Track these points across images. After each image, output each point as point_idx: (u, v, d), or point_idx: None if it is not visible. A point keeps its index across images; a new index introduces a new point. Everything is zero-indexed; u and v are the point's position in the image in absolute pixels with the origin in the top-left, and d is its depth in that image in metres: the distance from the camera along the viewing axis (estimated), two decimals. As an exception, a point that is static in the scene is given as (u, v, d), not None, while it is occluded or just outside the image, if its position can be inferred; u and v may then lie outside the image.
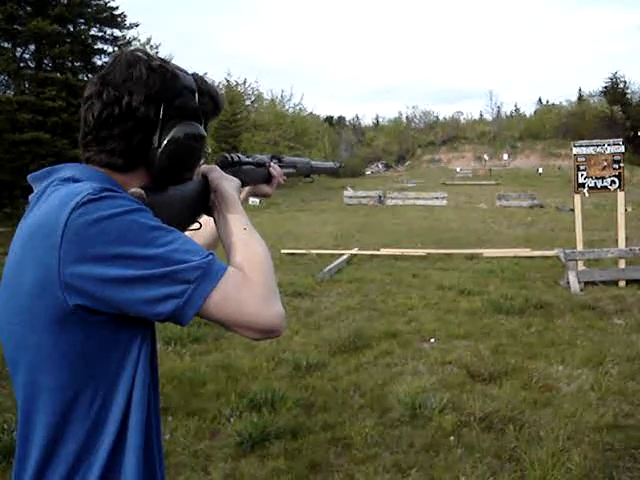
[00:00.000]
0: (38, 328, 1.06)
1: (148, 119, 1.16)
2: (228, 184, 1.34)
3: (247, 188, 1.62)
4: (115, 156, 1.16)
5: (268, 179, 1.65)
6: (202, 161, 1.32)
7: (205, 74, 1.36)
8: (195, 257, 1.06)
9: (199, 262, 1.05)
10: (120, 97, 1.14)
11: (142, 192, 1.15)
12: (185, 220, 1.31)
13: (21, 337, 1.09)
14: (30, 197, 1.17)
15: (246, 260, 1.16)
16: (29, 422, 1.10)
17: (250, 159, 1.58)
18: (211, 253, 1.09)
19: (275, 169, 1.66)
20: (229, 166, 1.48)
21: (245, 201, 1.69)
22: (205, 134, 1.26)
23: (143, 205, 1.10)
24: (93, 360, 1.08)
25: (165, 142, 1.17)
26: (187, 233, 1.41)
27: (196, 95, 1.23)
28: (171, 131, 1.18)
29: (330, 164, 2.15)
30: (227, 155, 1.50)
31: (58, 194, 1.08)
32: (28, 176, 1.20)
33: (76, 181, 1.11)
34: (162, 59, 1.22)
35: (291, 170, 1.80)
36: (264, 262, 1.18)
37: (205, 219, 1.40)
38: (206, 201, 1.34)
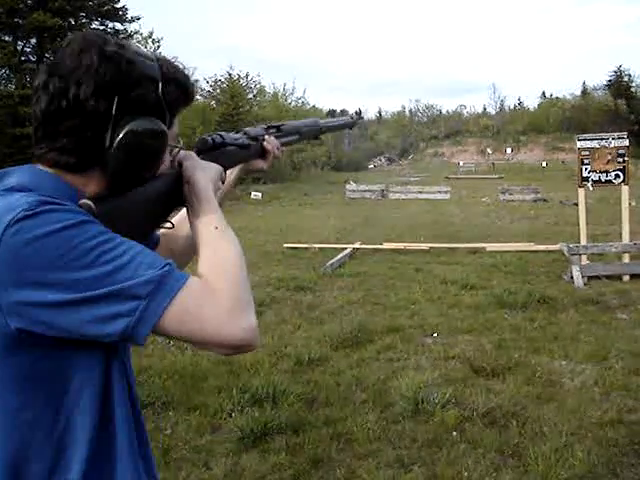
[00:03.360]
0: None
1: (98, 114, 1.03)
2: (202, 174, 1.20)
3: (238, 167, 1.49)
4: (65, 155, 1.05)
5: (262, 153, 1.50)
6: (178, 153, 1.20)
7: (175, 58, 1.19)
8: (147, 270, 0.96)
9: (151, 276, 0.95)
10: (67, 88, 1.02)
11: (90, 203, 1.03)
12: (153, 222, 1.19)
13: None
14: None
15: (213, 266, 1.06)
16: None
17: (239, 135, 1.41)
18: (168, 263, 0.99)
19: (269, 142, 1.50)
20: (210, 150, 1.31)
21: (236, 183, 1.58)
22: (165, 130, 1.11)
23: (90, 217, 0.99)
24: (48, 381, 1.01)
25: (117, 141, 1.04)
26: (164, 232, 1.33)
27: (159, 85, 1.10)
28: (124, 128, 1.05)
29: (345, 118, 1.91)
30: (207, 137, 1.32)
31: None
32: None
33: (20, 190, 1.00)
34: (120, 44, 1.08)
35: (294, 137, 1.63)
36: (233, 268, 1.06)
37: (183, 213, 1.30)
38: (181, 194, 1.20)
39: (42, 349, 0.99)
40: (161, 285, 0.96)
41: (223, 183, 1.32)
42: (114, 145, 1.05)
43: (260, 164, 1.52)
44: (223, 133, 1.36)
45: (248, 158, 1.48)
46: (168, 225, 1.24)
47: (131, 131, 1.05)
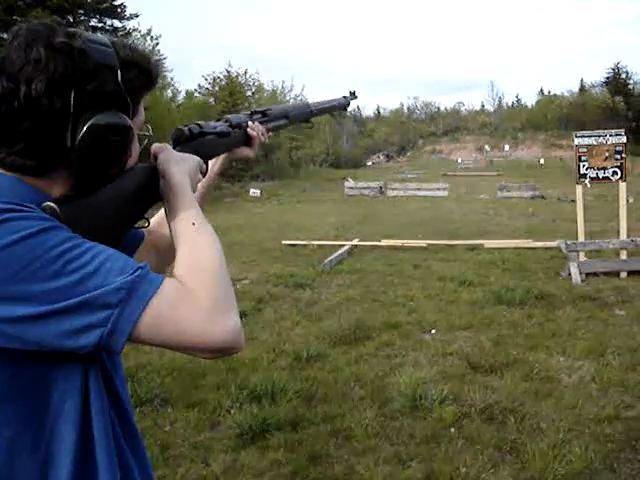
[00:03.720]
0: None
1: (55, 112, 0.96)
2: (177, 168, 1.14)
3: (222, 157, 1.44)
4: (25, 158, 0.98)
5: (248, 140, 1.42)
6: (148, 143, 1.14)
7: (141, 49, 1.10)
8: (118, 277, 0.91)
9: (122, 282, 0.90)
10: (17, 88, 0.94)
11: (53, 206, 0.97)
12: (126, 221, 1.12)
13: None
14: None
15: (190, 266, 1.00)
16: None
17: (220, 123, 1.33)
18: (140, 267, 0.94)
19: (253, 128, 1.42)
20: (187, 140, 1.24)
21: (222, 173, 1.52)
22: (129, 123, 1.04)
23: (54, 222, 0.93)
24: (28, 396, 0.96)
25: (79, 139, 0.98)
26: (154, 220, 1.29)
27: (118, 72, 1.02)
28: (85, 125, 0.98)
29: (338, 99, 1.80)
30: (183, 127, 1.25)
31: None
32: None
33: None
34: (69, 33, 1.00)
35: (281, 122, 1.55)
36: (212, 267, 1.01)
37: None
38: (157, 189, 1.14)
39: (18, 363, 0.95)
40: (133, 291, 0.91)
41: (204, 175, 1.27)
42: (76, 144, 0.98)
43: (245, 152, 1.46)
44: (201, 122, 1.28)
45: (231, 147, 1.41)
46: (143, 222, 1.18)
47: (92, 127, 0.99)
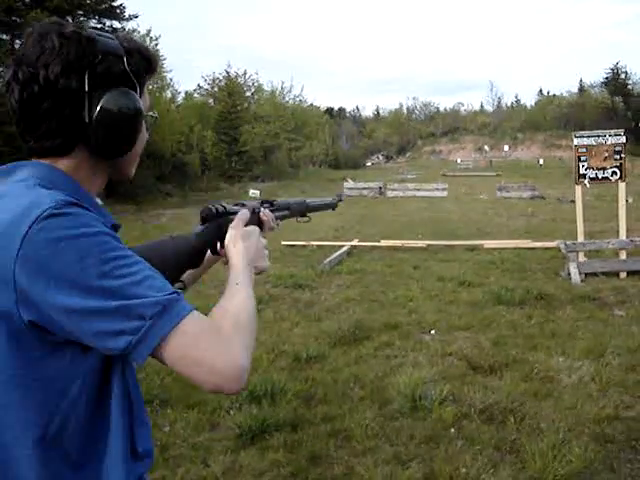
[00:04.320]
0: None
1: (71, 90, 1.06)
2: (235, 248, 1.33)
3: None
4: (51, 138, 1.09)
5: (259, 225, 1.57)
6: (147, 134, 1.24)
7: (131, 30, 1.21)
8: (157, 293, 0.98)
9: (159, 298, 0.98)
10: (36, 73, 1.05)
11: None
12: (175, 276, 1.31)
13: None
14: None
15: (222, 308, 1.11)
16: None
17: (238, 207, 1.52)
18: (176, 291, 1.02)
19: (265, 214, 1.60)
20: (214, 218, 1.43)
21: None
22: (139, 100, 1.15)
23: (108, 229, 1.03)
24: (52, 380, 1.01)
25: (96, 114, 1.08)
26: None
27: (124, 58, 1.12)
28: (100, 101, 1.08)
29: (328, 199, 2.05)
30: (212, 207, 1.44)
31: (23, 201, 1.01)
32: None
33: (43, 187, 1.04)
34: (77, 25, 1.12)
35: (284, 212, 1.75)
36: (242, 314, 1.11)
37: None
38: (197, 259, 1.37)
39: (53, 347, 1.00)
40: (167, 309, 0.98)
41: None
42: (93, 119, 1.08)
43: None
44: (224, 204, 1.49)
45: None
46: (180, 285, 1.34)
47: (107, 102, 1.09)
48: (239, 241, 1.34)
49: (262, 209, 1.61)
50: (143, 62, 1.19)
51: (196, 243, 1.38)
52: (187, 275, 1.44)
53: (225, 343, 1.02)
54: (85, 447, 1.06)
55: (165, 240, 1.32)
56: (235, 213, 1.46)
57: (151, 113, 1.26)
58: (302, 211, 1.85)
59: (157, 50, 30.17)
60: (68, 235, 0.96)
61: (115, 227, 1.14)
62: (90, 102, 1.08)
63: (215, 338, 1.01)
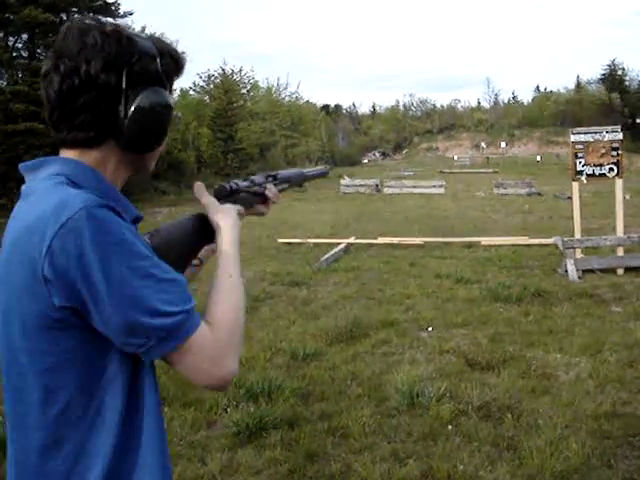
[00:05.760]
0: (28, 332, 1.06)
1: (110, 87, 1.11)
2: (224, 222, 1.33)
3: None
4: (84, 130, 1.13)
5: (264, 199, 1.65)
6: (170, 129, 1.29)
7: (162, 34, 1.29)
8: (168, 307, 1.05)
9: (170, 323, 1.05)
10: (77, 67, 1.09)
11: (146, 239, 1.18)
12: (186, 258, 1.36)
13: (12, 339, 1.08)
14: (22, 188, 1.16)
15: (218, 313, 1.15)
16: (22, 424, 1.10)
17: (247, 183, 1.58)
18: (191, 301, 1.09)
19: (270, 190, 1.65)
20: (227, 196, 1.48)
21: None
22: (172, 101, 1.22)
23: (137, 234, 1.09)
24: (86, 363, 1.07)
25: (132, 110, 1.13)
26: None
27: (157, 59, 1.18)
28: (136, 98, 1.13)
29: (321, 168, 2.19)
30: (225, 185, 1.49)
31: (52, 199, 1.05)
32: (20, 165, 1.19)
33: (71, 185, 1.09)
34: (115, 24, 1.17)
35: (285, 185, 1.82)
36: (236, 317, 1.18)
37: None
38: (201, 238, 1.38)
39: (82, 333, 1.05)
40: (173, 333, 1.05)
41: (242, 218, 1.47)
42: (128, 115, 1.13)
43: (262, 209, 1.65)
44: (237, 181, 1.54)
45: (254, 203, 1.63)
46: (196, 262, 1.40)
47: (144, 101, 1.14)
48: (229, 226, 1.34)
49: (267, 185, 1.66)
50: (172, 64, 1.24)
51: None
52: (204, 251, 1.48)
53: (224, 354, 1.11)
54: (122, 434, 1.11)
55: (183, 221, 1.37)
56: (247, 190, 1.54)
57: (175, 113, 1.29)
58: (301, 181, 1.95)
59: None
60: (95, 241, 1.00)
61: (137, 219, 1.20)
62: (126, 99, 1.12)
63: (215, 350, 1.10)
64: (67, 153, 1.16)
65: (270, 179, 1.72)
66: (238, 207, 1.42)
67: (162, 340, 1.04)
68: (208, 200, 1.36)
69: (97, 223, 1.02)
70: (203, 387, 1.14)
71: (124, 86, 1.12)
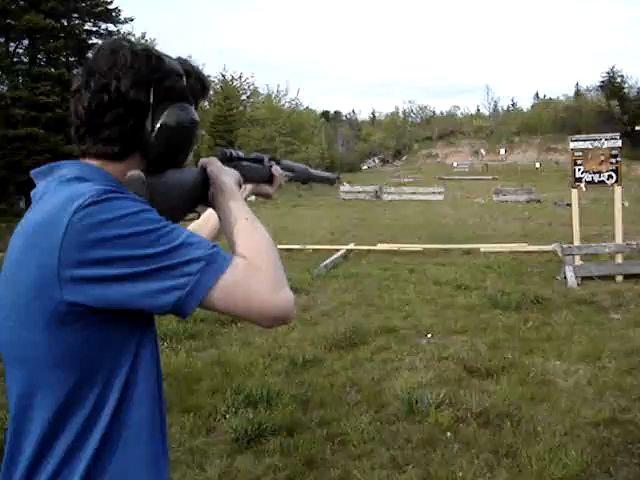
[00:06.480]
0: (35, 327, 1.06)
1: (139, 103, 1.15)
2: (227, 177, 1.33)
3: (248, 186, 1.61)
4: (110, 144, 1.15)
5: (269, 179, 1.64)
6: (195, 145, 1.30)
7: (190, 57, 1.35)
8: (198, 250, 1.06)
9: (201, 254, 1.06)
10: (108, 84, 1.13)
11: (141, 174, 1.15)
12: (184, 207, 1.32)
13: (18, 335, 1.09)
14: (32, 193, 1.17)
15: (250, 249, 1.16)
16: (24, 417, 1.11)
17: (250, 156, 1.57)
18: (215, 245, 1.10)
19: (277, 170, 1.65)
20: (227, 161, 1.46)
21: (245, 199, 1.69)
22: (197, 116, 1.25)
23: (146, 205, 1.10)
24: (90, 358, 1.08)
25: (158, 125, 1.16)
26: (189, 227, 1.45)
27: (184, 78, 1.22)
28: (163, 114, 1.17)
29: (329, 174, 2.13)
30: (226, 150, 1.49)
31: (62, 194, 1.07)
32: (32, 171, 1.20)
33: (80, 180, 1.11)
34: (146, 44, 1.23)
35: (289, 174, 1.80)
36: (268, 249, 1.17)
37: (206, 214, 1.45)
38: (204, 192, 1.34)
39: (89, 328, 1.06)
40: (210, 263, 1.06)
41: (240, 187, 1.43)
42: (155, 129, 1.16)
43: (267, 189, 1.65)
44: (238, 151, 1.54)
45: (258, 179, 1.61)
46: (194, 215, 1.37)
47: (171, 116, 1.17)
48: (232, 181, 1.34)
49: (274, 164, 1.66)
50: (198, 85, 1.30)
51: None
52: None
53: (268, 279, 1.11)
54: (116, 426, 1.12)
55: (185, 171, 1.32)
56: (249, 159, 1.55)
57: (199, 132, 1.33)
58: (304, 178, 1.92)
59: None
60: (110, 217, 1.02)
61: None
62: (153, 114, 1.16)
63: (260, 278, 1.10)
64: (89, 163, 1.18)
65: (274, 162, 1.70)
66: (238, 173, 1.42)
67: (203, 272, 1.05)
68: (209, 159, 1.38)
69: (110, 203, 1.04)
70: (267, 324, 1.12)
71: (152, 102, 1.16)
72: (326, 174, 2.10)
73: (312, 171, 1.94)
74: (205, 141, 35.35)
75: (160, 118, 1.17)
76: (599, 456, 3.59)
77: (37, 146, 21.58)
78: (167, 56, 1.22)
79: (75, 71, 1.24)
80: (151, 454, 1.18)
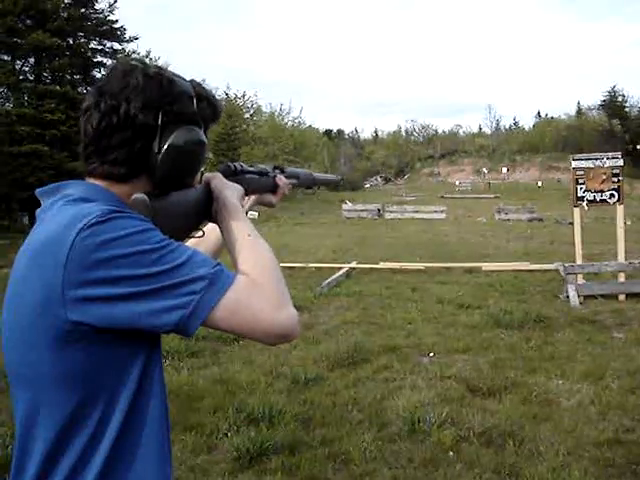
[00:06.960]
0: (39, 346, 1.06)
1: (147, 126, 1.15)
2: (230, 192, 1.33)
3: (252, 197, 1.62)
4: (117, 166, 1.16)
5: (273, 189, 1.64)
6: (203, 167, 1.31)
7: (203, 80, 1.36)
8: (201, 269, 1.06)
9: (204, 273, 1.06)
10: (118, 106, 1.14)
11: (145, 197, 1.14)
12: (188, 226, 1.32)
13: (22, 353, 1.09)
14: (37, 212, 1.17)
15: (253, 266, 1.15)
16: (28, 436, 1.11)
17: (253, 168, 1.57)
18: (219, 263, 1.10)
19: (281, 179, 1.65)
20: (231, 175, 1.47)
21: (249, 210, 1.69)
22: (205, 139, 1.25)
23: (150, 224, 1.09)
24: (93, 377, 1.08)
25: (165, 147, 1.16)
26: (192, 241, 1.45)
27: (194, 101, 1.22)
28: (171, 136, 1.17)
29: (332, 176, 2.15)
30: (230, 164, 1.49)
31: (67, 213, 1.08)
32: (36, 190, 1.20)
33: (85, 201, 1.11)
34: (159, 66, 1.23)
35: (294, 181, 1.80)
36: (271, 266, 1.17)
37: (209, 228, 1.43)
38: (209, 208, 1.34)
39: (92, 347, 1.06)
40: (213, 282, 1.06)
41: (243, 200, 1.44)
42: (162, 151, 1.16)
43: (271, 198, 1.66)
44: (242, 163, 1.53)
45: (262, 190, 1.62)
46: (199, 233, 1.36)
47: (178, 138, 1.17)
48: (236, 195, 1.34)
49: (278, 174, 1.66)
50: (209, 109, 1.29)
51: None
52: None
53: (271, 296, 1.10)
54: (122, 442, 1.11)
55: (189, 191, 1.32)
56: (251, 172, 1.55)
57: (207, 155, 1.32)
58: (309, 183, 1.92)
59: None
60: (114, 237, 1.02)
61: None
62: (161, 136, 1.16)
63: (262, 295, 1.09)
64: (95, 182, 1.19)
65: (277, 171, 1.70)
66: (241, 188, 1.41)
67: (206, 291, 1.04)
68: (213, 174, 1.38)
69: (114, 222, 1.04)
70: (271, 342, 1.12)
71: (160, 124, 1.16)
72: (330, 177, 2.12)
73: (316, 175, 1.95)
74: (208, 159, 35.52)
75: (167, 140, 1.16)
76: (603, 477, 3.57)
77: (41, 163, 21.69)
78: (179, 77, 1.23)
79: (87, 90, 1.24)
80: (158, 474, 1.17)
